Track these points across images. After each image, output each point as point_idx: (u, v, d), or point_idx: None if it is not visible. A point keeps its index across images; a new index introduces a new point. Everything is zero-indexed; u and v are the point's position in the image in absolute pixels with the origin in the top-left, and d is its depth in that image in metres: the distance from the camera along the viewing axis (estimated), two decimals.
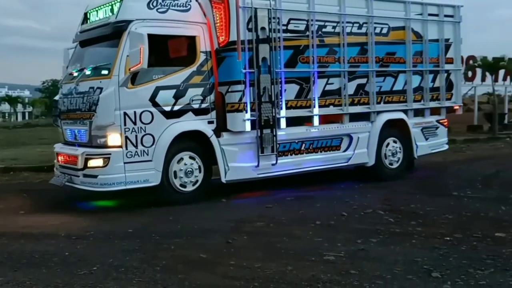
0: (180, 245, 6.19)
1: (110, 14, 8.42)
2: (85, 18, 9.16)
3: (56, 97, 9.63)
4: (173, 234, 6.68)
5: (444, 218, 7.24)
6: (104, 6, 8.64)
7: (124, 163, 7.93)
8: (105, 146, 8.03)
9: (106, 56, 8.44)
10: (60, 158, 9.00)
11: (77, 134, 8.71)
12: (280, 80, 9.02)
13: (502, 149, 16.73)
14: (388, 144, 10.50)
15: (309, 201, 8.65)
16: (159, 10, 8.31)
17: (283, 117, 9.14)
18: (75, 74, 8.75)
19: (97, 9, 8.85)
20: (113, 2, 8.41)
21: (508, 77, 23.52)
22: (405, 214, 7.54)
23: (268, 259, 5.54)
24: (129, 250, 6.01)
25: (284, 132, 9.17)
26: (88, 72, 8.48)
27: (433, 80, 11.01)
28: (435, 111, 11.29)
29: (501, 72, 22.97)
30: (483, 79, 22.96)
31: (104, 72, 8.20)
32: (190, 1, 8.61)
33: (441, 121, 11.39)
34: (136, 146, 7.99)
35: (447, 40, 11.15)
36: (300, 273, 5.06)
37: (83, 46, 9.17)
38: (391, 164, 10.54)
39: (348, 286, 4.73)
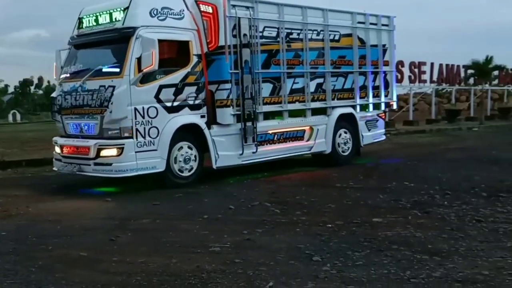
0: (59, 245, 5.84)
1: (116, 20, 9.24)
2: (80, 23, 9.89)
3: (54, 94, 10.17)
4: (51, 234, 6.30)
5: (327, 207, 7.51)
6: (105, 12, 9.44)
7: (135, 152, 8.86)
8: (118, 137, 8.86)
9: (112, 58, 9.40)
10: (65, 149, 9.60)
11: (83, 127, 9.39)
12: (258, 79, 10.25)
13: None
14: (340, 134, 12.02)
15: (198, 197, 8.58)
16: (159, 18, 9.29)
17: (261, 112, 10.38)
18: (75, 73, 9.54)
19: (96, 15, 9.61)
20: (116, 10, 9.27)
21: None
22: (291, 205, 7.71)
23: (152, 254, 5.39)
24: (1, 253, 5.57)
25: (262, 125, 10.39)
26: (97, 71, 9.18)
27: (374, 80, 12.70)
28: (376, 106, 12.97)
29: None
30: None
31: (115, 72, 8.99)
32: (184, 10, 9.62)
33: (380, 114, 13.16)
34: (144, 137, 8.93)
35: (384, 45, 12.91)
36: (184, 265, 4.97)
37: (81, 48, 9.94)
38: (343, 151, 12.12)
39: (232, 274, 4.72)
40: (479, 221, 6.43)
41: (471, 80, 32.07)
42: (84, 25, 9.83)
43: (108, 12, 9.39)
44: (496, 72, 36.01)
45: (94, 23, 9.65)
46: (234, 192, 8.82)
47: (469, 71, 30.49)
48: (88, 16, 9.77)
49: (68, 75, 9.78)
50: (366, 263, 4.93)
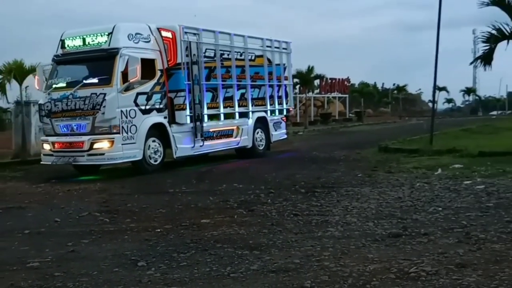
0: None
1: (101, 42, 11.47)
2: (63, 44, 11.91)
3: (41, 101, 12.15)
4: None
5: (158, 212, 7.43)
6: (91, 36, 11.60)
7: (122, 144, 11.12)
8: (108, 133, 11.05)
9: (98, 72, 11.36)
10: (56, 145, 11.56)
11: (74, 127, 11.37)
12: (203, 89, 12.80)
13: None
14: (258, 133, 14.88)
15: (20, 212, 7.93)
16: (134, 41, 11.69)
17: (206, 114, 12.91)
18: (64, 84, 11.61)
19: (82, 37, 11.69)
20: (101, 34, 11.48)
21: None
22: (121, 213, 7.48)
23: None
24: None
25: (206, 124, 12.88)
26: (87, 82, 11.29)
27: (278, 91, 15.73)
28: (279, 112, 16.01)
29: None
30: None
31: (104, 82, 11.13)
32: (150, 35, 12.09)
33: (282, 118, 16.32)
34: (127, 133, 11.22)
35: (284, 64, 16.03)
36: None
37: (66, 64, 11.96)
38: (259, 146, 14.97)
39: None
40: (296, 215, 6.86)
41: (297, 89, 34.43)
42: (68, 45, 11.86)
43: (94, 35, 11.56)
44: (318, 82, 39.06)
45: (80, 44, 11.70)
46: (61, 204, 8.31)
47: (295, 80, 32.71)
48: (71, 38, 11.84)
49: (55, 86, 11.71)
50: (190, 263, 4.96)
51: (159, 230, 6.33)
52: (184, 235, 6.05)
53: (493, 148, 13.07)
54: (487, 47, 13.98)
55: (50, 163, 11.76)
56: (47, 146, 11.76)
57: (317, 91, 40.70)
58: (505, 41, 13.56)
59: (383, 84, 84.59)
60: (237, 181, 10.05)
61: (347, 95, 45.50)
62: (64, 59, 11.91)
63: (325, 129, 31.42)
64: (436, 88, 23.53)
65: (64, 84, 11.67)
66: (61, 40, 11.93)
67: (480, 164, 10.79)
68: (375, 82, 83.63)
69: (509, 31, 13.43)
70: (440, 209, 6.83)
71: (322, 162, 13.08)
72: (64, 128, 11.54)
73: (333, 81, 42.52)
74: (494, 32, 13.58)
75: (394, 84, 77.36)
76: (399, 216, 6.52)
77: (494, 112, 76.10)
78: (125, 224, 6.77)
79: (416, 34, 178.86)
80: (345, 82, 44.12)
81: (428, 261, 4.65)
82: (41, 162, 12.16)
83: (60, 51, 11.95)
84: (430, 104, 33.07)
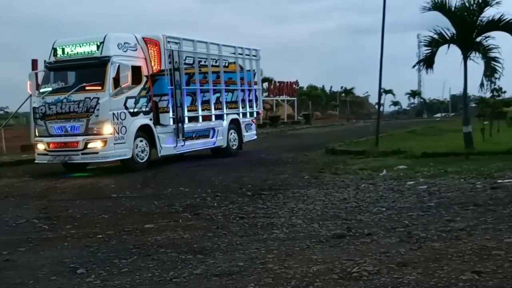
0: None
1: (93, 51, 12.49)
2: (55, 52, 12.86)
3: (35, 105, 12.95)
4: None
5: (100, 218, 7.25)
6: (83, 45, 12.60)
7: (114, 144, 12.18)
8: (102, 133, 12.08)
9: (90, 78, 12.35)
10: (51, 145, 12.49)
11: (68, 128, 12.32)
12: (184, 94, 13.91)
13: None
14: (231, 134, 16.03)
15: None
16: (123, 50, 12.74)
17: (186, 116, 14.07)
18: (61, 89, 12.57)
19: (74, 45, 12.67)
20: (92, 43, 12.51)
21: None
22: (62, 219, 7.26)
23: None
24: None
25: (186, 126, 14.08)
26: (80, 87, 12.28)
27: (249, 95, 17.02)
28: (250, 114, 17.28)
29: None
30: None
31: (97, 87, 12.21)
32: (136, 44, 13.16)
33: (253, 120, 17.68)
34: (118, 133, 12.26)
35: (254, 70, 17.36)
36: None
37: (58, 70, 12.89)
38: (233, 146, 16.11)
39: None
40: (242, 217, 6.85)
41: None
42: (60, 53, 12.82)
43: (86, 44, 12.56)
44: (266, 85, 39.32)
45: (72, 52, 12.68)
46: None
47: None
48: (63, 46, 12.78)
49: (48, 90, 12.65)
50: (132, 269, 4.85)
51: (100, 236, 6.18)
52: (127, 241, 5.92)
53: (436, 149, 13.55)
54: (429, 51, 14.51)
55: (45, 161, 12.71)
56: (41, 146, 12.69)
57: (266, 94, 40.97)
58: (446, 45, 14.15)
59: (331, 87, 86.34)
60: (183, 185, 9.95)
61: (295, 98, 46.07)
62: (57, 66, 12.90)
63: (274, 131, 31.64)
64: (383, 91, 24.04)
65: (57, 89, 12.65)
66: (53, 48, 12.91)
67: (423, 165, 11.14)
68: (323, 85, 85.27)
69: (450, 35, 14.01)
70: (384, 209, 6.99)
71: (270, 164, 13.16)
72: (59, 130, 12.48)
73: (282, 84, 42.95)
74: (435, 36, 14.12)
75: (341, 87, 79.29)
76: (344, 217, 6.62)
77: (438, 115, 79.07)
78: (65, 230, 6.57)
79: (364, 38, 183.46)
80: (294, 85, 44.65)
81: (371, 260, 4.74)
82: (36, 161, 13.08)
83: (52, 59, 12.94)
84: (384, 107, 33.90)
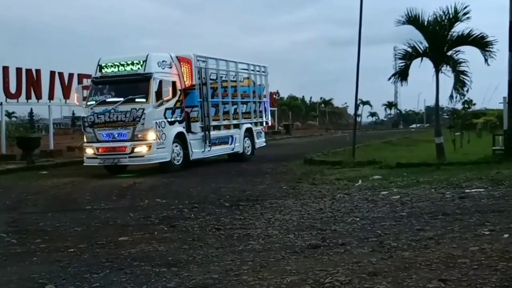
0: None
1: (137, 68, 14.34)
2: (101, 68, 14.68)
3: (84, 115, 14.74)
4: None
5: (73, 231, 7.09)
6: (127, 63, 14.46)
7: (157, 148, 14.05)
8: (147, 139, 13.96)
9: (135, 92, 14.16)
10: (100, 149, 14.20)
11: (116, 135, 14.12)
12: (210, 105, 15.92)
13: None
14: (246, 141, 17.94)
15: None
16: (161, 67, 14.62)
17: (212, 125, 16.03)
18: (108, 101, 14.34)
19: (119, 63, 14.54)
20: (136, 62, 14.35)
21: None
22: (32, 233, 7.07)
23: None
24: None
25: (212, 133, 15.97)
26: (127, 99, 14.06)
27: (260, 107, 19.07)
28: (260, 123, 19.31)
29: None
30: None
31: (141, 100, 14.06)
32: (172, 62, 15.08)
33: (263, 129, 19.65)
34: (160, 140, 14.15)
35: (263, 84, 19.38)
36: None
37: (104, 85, 14.65)
38: (247, 152, 17.99)
39: None
40: (219, 229, 6.78)
41: None
42: (106, 70, 14.59)
43: (130, 62, 14.42)
44: None
45: (117, 69, 14.50)
46: None
47: None
48: (108, 64, 14.59)
49: (96, 102, 14.36)
50: (104, 283, 4.74)
51: (72, 250, 6.04)
52: (100, 254, 5.79)
53: (410, 160, 13.66)
54: (403, 64, 14.67)
55: (96, 164, 14.35)
56: (90, 151, 14.31)
57: None
58: (420, 58, 14.31)
59: (311, 98, 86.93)
60: (160, 196, 9.82)
61: (275, 108, 46.08)
62: (103, 80, 14.63)
63: None
64: (360, 102, 24.04)
65: (104, 101, 14.32)
66: (98, 65, 14.70)
67: (397, 175, 11.20)
68: (303, 96, 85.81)
69: (422, 49, 14.19)
70: (358, 219, 6.98)
71: (248, 174, 13.11)
72: (107, 136, 14.19)
73: None
74: (409, 49, 14.29)
75: (321, 98, 79.83)
76: (319, 227, 6.59)
77: (414, 125, 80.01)
78: (35, 244, 6.38)
79: (343, 49, 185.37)
80: (274, 96, 44.67)
81: (343, 270, 4.71)
82: (85, 164, 14.60)
83: (98, 74, 14.72)
84: (359, 118, 34.12)
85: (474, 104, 49.38)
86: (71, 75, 21.10)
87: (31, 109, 47.01)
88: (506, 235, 5.68)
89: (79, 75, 21.10)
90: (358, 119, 35.12)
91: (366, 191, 9.36)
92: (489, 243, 5.38)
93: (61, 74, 20.88)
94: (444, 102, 16.97)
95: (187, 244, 6.04)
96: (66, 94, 20.86)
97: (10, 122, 32.61)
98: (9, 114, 38.97)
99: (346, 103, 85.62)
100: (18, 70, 19.45)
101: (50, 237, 6.75)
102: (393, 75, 15.17)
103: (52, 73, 20.65)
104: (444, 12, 13.77)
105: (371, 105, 79.88)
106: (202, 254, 5.57)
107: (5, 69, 19.12)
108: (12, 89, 19.26)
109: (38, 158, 18.15)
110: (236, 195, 9.65)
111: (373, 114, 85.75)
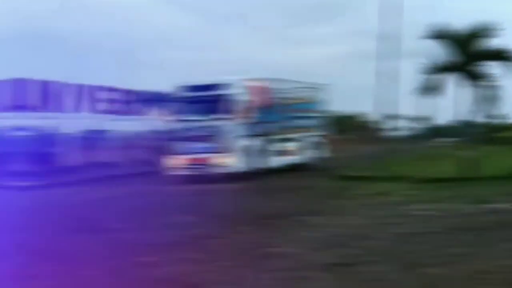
0: None
1: (220, 90, 15.89)
2: (185, 90, 16.42)
3: (172, 129, 16.46)
4: None
5: None
6: (209, 85, 16.16)
7: (239, 159, 15.58)
8: (231, 152, 15.49)
9: (220, 110, 15.75)
10: (191, 161, 15.65)
11: (203, 148, 15.57)
12: (281, 121, 18.00)
13: None
14: (309, 152, 18.88)
15: None
16: (241, 90, 16.22)
17: (280, 138, 17.70)
18: (192, 118, 15.95)
19: (200, 85, 16.36)
20: (221, 84, 15.99)
21: None
22: None
23: None
24: None
25: (279, 145, 17.64)
26: (212, 117, 15.81)
27: (319, 121, 19.95)
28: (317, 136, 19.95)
29: None
30: None
31: (227, 117, 15.68)
32: (248, 84, 16.65)
33: (319, 141, 20.13)
34: (241, 152, 15.70)
35: (321, 101, 20.25)
36: None
37: (190, 103, 16.16)
38: (310, 162, 18.85)
39: None
40: (243, 248, 6.67)
41: None
42: (191, 90, 16.27)
43: (214, 84, 16.14)
44: None
45: (201, 91, 16.15)
46: None
47: None
48: (194, 85, 16.40)
49: (184, 119, 16.07)
50: None
51: None
52: None
53: (441, 174, 13.33)
54: (434, 77, 14.52)
55: (188, 173, 15.59)
56: (180, 162, 15.67)
57: None
58: (454, 72, 14.11)
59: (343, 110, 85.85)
60: (188, 213, 9.82)
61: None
62: (190, 99, 16.23)
63: None
64: (394, 116, 23.78)
65: (192, 118, 15.96)
66: (184, 86, 16.46)
67: (428, 189, 11.02)
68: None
69: (454, 63, 14.00)
70: (386, 235, 6.87)
71: (280, 191, 13.02)
72: (194, 149, 15.58)
73: None
74: (439, 64, 14.15)
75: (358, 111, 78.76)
76: (347, 244, 6.48)
77: (448, 139, 78.00)
78: None
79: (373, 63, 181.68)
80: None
81: None
82: (174, 174, 15.64)
83: (184, 94, 16.41)
84: (390, 131, 33.61)
85: (509, 118, 47.83)
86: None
87: None
88: None
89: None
90: (393, 133, 34.60)
91: (396, 206, 9.21)
92: None
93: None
94: (476, 116, 16.66)
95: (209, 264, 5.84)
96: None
97: None
98: None
99: (382, 116, 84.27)
100: None
101: None
102: (426, 88, 15.00)
103: None
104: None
105: (406, 119, 78.40)
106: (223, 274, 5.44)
107: None
108: None
109: None
110: (265, 212, 9.53)
111: (408, 128, 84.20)
